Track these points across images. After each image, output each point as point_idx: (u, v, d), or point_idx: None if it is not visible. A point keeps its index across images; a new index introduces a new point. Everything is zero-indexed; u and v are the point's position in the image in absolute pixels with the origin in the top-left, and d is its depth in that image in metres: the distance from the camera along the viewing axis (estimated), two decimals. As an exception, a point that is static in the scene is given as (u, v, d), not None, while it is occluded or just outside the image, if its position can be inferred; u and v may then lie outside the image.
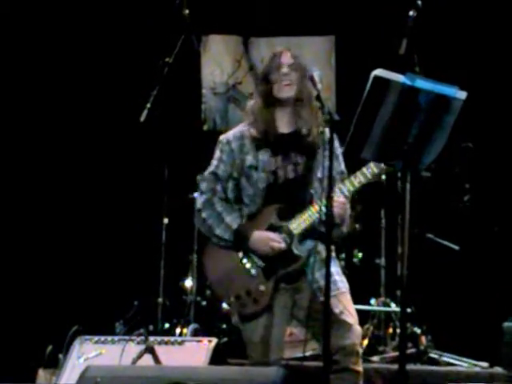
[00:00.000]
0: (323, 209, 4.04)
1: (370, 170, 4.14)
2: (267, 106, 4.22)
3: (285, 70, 4.18)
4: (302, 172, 4.21)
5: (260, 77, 4.29)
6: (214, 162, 4.28)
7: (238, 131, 4.29)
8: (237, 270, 4.18)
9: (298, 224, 4.17)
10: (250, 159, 4.22)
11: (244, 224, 4.19)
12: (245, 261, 4.19)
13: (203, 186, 4.28)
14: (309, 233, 4.17)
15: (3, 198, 6.60)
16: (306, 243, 4.18)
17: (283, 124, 4.23)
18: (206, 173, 4.30)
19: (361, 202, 5.83)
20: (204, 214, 4.24)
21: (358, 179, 4.16)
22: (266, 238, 4.15)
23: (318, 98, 3.96)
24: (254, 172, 4.21)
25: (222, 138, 4.31)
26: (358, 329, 4.17)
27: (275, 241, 4.15)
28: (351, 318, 4.16)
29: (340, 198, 4.11)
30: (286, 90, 4.19)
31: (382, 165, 4.10)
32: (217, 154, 4.29)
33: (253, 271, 4.17)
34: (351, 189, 4.15)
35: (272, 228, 4.18)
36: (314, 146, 4.21)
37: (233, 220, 4.20)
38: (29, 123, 6.69)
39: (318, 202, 4.16)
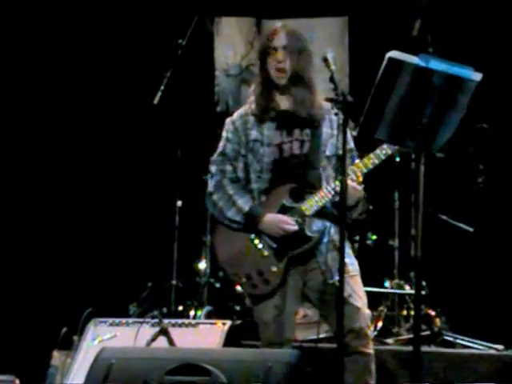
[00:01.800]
0: (335, 190, 4.04)
1: (384, 151, 4.13)
2: (266, 88, 4.22)
3: (280, 56, 4.17)
4: (309, 149, 4.19)
5: (257, 59, 4.29)
6: (221, 143, 4.29)
7: (241, 110, 4.31)
8: (248, 251, 4.17)
9: (310, 205, 4.15)
10: (254, 133, 4.22)
11: (256, 206, 4.18)
12: (256, 241, 4.18)
13: (213, 168, 4.29)
14: (321, 214, 4.16)
15: (20, 181, 6.61)
16: (318, 224, 4.17)
17: (283, 103, 4.24)
18: (215, 155, 4.30)
19: (373, 184, 5.81)
20: (215, 197, 4.24)
21: (372, 160, 4.14)
22: (278, 221, 4.13)
23: (332, 79, 3.94)
24: (259, 146, 4.20)
25: (227, 119, 4.33)
26: (366, 312, 4.17)
27: (287, 223, 4.14)
28: (359, 301, 4.15)
29: (351, 182, 4.07)
30: (279, 76, 4.19)
31: (396, 146, 4.09)
32: (223, 134, 4.31)
33: (265, 252, 4.17)
34: (364, 170, 4.14)
35: (284, 209, 4.17)
36: (317, 123, 4.20)
37: (244, 202, 4.18)
38: (43, 107, 6.69)
39: (329, 182, 4.15)
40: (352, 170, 4.13)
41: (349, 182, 3.98)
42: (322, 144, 4.20)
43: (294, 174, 4.18)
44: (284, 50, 4.18)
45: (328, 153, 4.18)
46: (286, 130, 4.21)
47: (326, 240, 4.13)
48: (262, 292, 4.16)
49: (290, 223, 4.14)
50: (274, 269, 4.15)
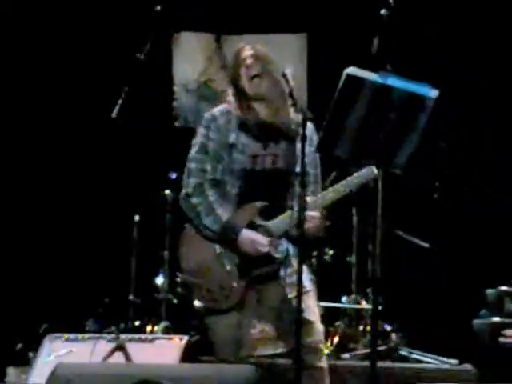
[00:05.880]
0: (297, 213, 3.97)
1: (356, 180, 4.09)
2: (242, 99, 4.16)
3: (249, 61, 4.15)
4: (281, 165, 4.17)
5: (231, 79, 4.25)
6: (201, 139, 4.16)
7: (223, 107, 4.21)
8: (212, 263, 4.13)
9: (278, 226, 4.12)
10: (233, 136, 4.14)
11: (233, 218, 4.10)
12: (221, 255, 4.14)
13: (192, 165, 4.16)
14: (286, 235, 4.15)
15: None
16: (283, 245, 4.15)
17: (262, 112, 4.16)
18: (194, 152, 4.17)
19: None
20: (194, 200, 4.13)
21: (344, 188, 4.10)
22: (252, 240, 4.09)
23: (291, 95, 3.95)
24: (234, 151, 4.13)
25: (207, 114, 4.22)
26: (319, 326, 4.18)
27: (261, 244, 4.09)
28: (313, 315, 4.14)
29: (314, 213, 4.05)
30: (255, 84, 4.15)
31: (368, 176, 4.04)
32: (202, 131, 4.17)
33: (228, 267, 4.14)
34: (336, 197, 4.11)
35: (252, 226, 4.12)
36: (292, 137, 4.17)
37: (223, 212, 4.11)
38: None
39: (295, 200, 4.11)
40: (323, 196, 4.11)
41: (313, 213, 4.00)
42: (296, 160, 4.12)
43: (264, 190, 4.13)
44: (251, 57, 4.15)
45: (298, 169, 4.06)
46: (262, 142, 4.16)
47: (287, 261, 4.12)
48: (220, 307, 4.12)
49: (264, 245, 4.09)
50: (235, 285, 4.12)
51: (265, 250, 4.10)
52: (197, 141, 4.18)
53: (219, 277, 4.12)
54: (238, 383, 3.40)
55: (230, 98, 4.23)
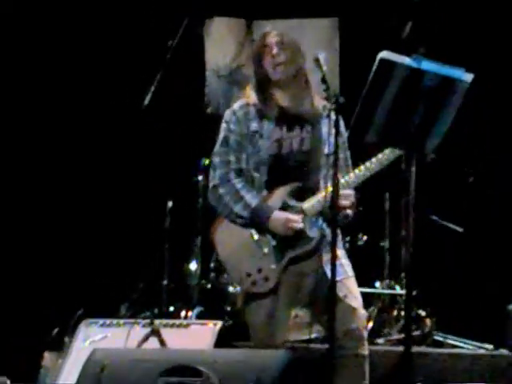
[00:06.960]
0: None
1: (386, 156, 4.10)
2: (264, 86, 4.21)
3: (275, 50, 4.17)
4: (309, 147, 4.18)
5: (253, 62, 4.28)
6: (223, 134, 4.23)
7: (242, 101, 4.27)
8: (248, 247, 4.15)
9: (311, 206, 4.13)
10: (254, 125, 4.19)
11: (263, 203, 4.14)
12: (257, 238, 4.15)
13: (216, 159, 4.22)
14: (321, 215, 4.14)
15: (5, 181, 6.59)
16: (318, 225, 4.15)
17: (283, 100, 4.20)
18: (217, 146, 4.23)
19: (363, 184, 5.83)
20: (221, 191, 4.18)
21: (374, 165, 4.12)
22: (285, 219, 4.11)
23: (324, 80, 3.94)
24: (258, 138, 4.17)
25: (227, 111, 4.28)
26: (362, 313, 4.17)
27: (294, 221, 4.11)
28: (355, 301, 4.14)
29: (349, 191, 4.08)
30: (279, 71, 4.17)
31: (397, 151, 4.06)
32: (223, 125, 4.24)
33: (265, 249, 4.15)
34: (368, 174, 4.12)
35: (285, 207, 4.15)
36: (317, 120, 4.19)
37: (252, 198, 4.14)
38: (33, 107, 6.68)
39: (327, 181, 4.10)
40: (354, 175, 4.12)
41: (348, 191, 4.03)
42: (322, 142, 4.16)
43: (294, 172, 4.16)
44: (277, 45, 4.18)
45: (326, 151, 4.10)
46: (286, 125, 4.19)
47: (325, 241, 4.12)
48: (260, 290, 4.13)
49: (296, 221, 4.11)
50: (274, 267, 4.13)
51: (299, 226, 4.11)
52: (219, 136, 4.24)
53: (257, 260, 4.14)
54: (271, 369, 3.40)
55: (250, 91, 4.26)
